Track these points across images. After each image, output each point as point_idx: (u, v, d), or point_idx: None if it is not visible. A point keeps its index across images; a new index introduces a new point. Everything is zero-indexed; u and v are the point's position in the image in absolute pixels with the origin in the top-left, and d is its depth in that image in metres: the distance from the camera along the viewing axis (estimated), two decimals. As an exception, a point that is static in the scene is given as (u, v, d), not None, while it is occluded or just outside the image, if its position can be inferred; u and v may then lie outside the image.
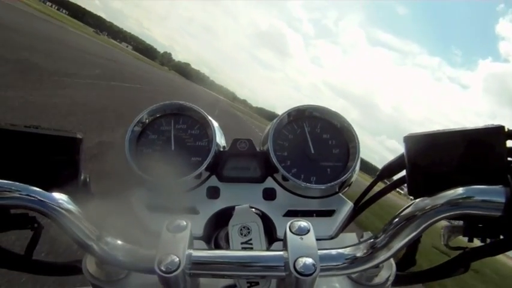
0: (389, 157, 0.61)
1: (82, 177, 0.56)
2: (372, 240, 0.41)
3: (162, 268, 0.35)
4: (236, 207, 0.50)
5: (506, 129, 0.48)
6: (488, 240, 0.49)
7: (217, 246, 0.54)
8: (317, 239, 0.38)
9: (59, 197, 0.43)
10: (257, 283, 0.44)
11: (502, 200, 0.40)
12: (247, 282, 0.44)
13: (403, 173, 0.58)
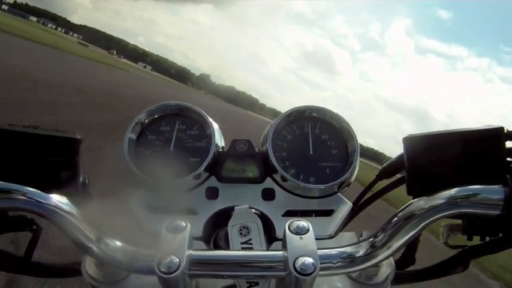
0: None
1: (81, 179, 0.56)
2: (371, 239, 0.41)
3: (162, 269, 0.35)
4: (236, 207, 0.50)
5: (505, 130, 0.49)
6: (487, 239, 0.50)
7: (217, 247, 0.54)
8: (316, 239, 0.38)
9: (58, 198, 0.43)
10: (257, 283, 0.44)
11: (501, 199, 0.40)
12: (247, 283, 0.44)
13: (402, 173, 0.58)
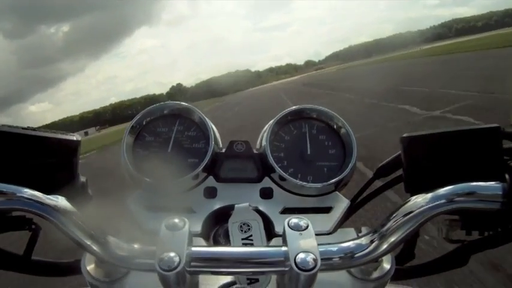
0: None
1: (80, 179, 0.56)
2: (370, 235, 0.42)
3: (162, 266, 0.35)
4: (236, 205, 0.50)
5: (502, 129, 0.49)
6: (486, 234, 0.50)
7: (216, 243, 0.54)
8: (315, 235, 0.38)
9: (57, 199, 0.43)
10: (257, 280, 0.44)
11: (500, 194, 0.40)
12: (247, 279, 0.44)
13: (399, 172, 0.58)
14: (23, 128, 0.51)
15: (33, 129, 0.52)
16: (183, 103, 0.66)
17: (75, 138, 0.55)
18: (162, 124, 0.65)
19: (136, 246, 0.41)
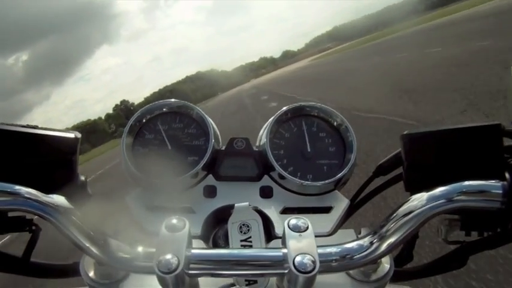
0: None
1: (79, 178, 0.56)
2: (369, 236, 0.41)
3: (161, 268, 0.35)
4: (236, 205, 0.50)
5: (502, 127, 0.49)
6: (485, 234, 0.50)
7: (216, 245, 0.54)
8: (315, 236, 0.38)
9: (56, 198, 0.43)
10: (255, 281, 0.44)
11: (500, 194, 0.40)
12: (246, 281, 0.44)
13: (400, 170, 0.58)
14: (21, 126, 0.51)
15: (32, 126, 0.52)
16: (182, 101, 0.66)
17: (74, 136, 0.55)
18: (161, 122, 0.65)
19: (135, 248, 0.41)
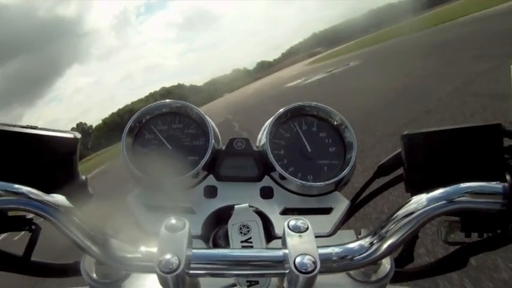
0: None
1: (80, 177, 0.56)
2: (370, 236, 0.41)
3: (162, 268, 0.35)
4: (236, 206, 0.50)
5: (503, 127, 0.49)
6: (485, 236, 0.50)
7: (216, 245, 0.54)
8: (315, 237, 0.38)
9: (56, 198, 0.42)
10: (257, 282, 0.44)
11: (500, 195, 0.40)
12: (247, 281, 0.44)
13: (400, 170, 0.58)
14: (21, 126, 0.51)
15: (32, 127, 0.52)
16: (182, 101, 0.66)
17: (73, 136, 0.55)
18: (161, 122, 0.65)
19: (135, 247, 0.41)
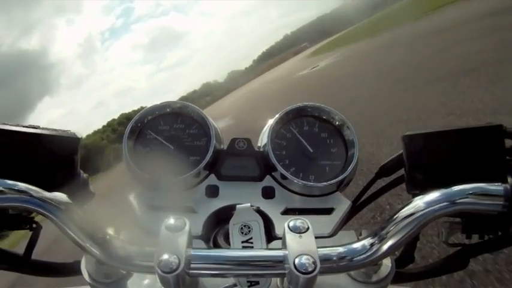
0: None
1: (81, 176, 0.56)
2: (370, 237, 0.41)
3: (162, 267, 0.35)
4: (237, 206, 0.50)
5: (504, 128, 0.49)
6: (486, 237, 0.50)
7: (216, 245, 0.54)
8: (316, 237, 0.38)
9: (57, 196, 0.42)
10: (257, 282, 0.44)
11: (501, 197, 0.40)
12: (247, 281, 0.44)
13: (402, 171, 0.58)
14: (24, 126, 0.52)
15: (34, 126, 0.52)
16: (183, 101, 0.66)
17: (75, 136, 0.55)
18: (163, 122, 0.65)
19: (136, 247, 0.41)
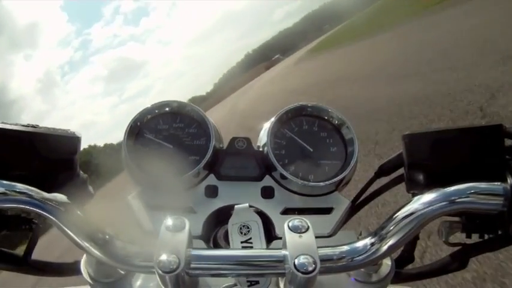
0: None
1: (81, 177, 0.56)
2: (370, 237, 0.41)
3: (162, 267, 0.35)
4: (236, 206, 0.50)
5: (504, 128, 0.49)
6: (486, 236, 0.50)
7: (216, 245, 0.54)
8: (316, 237, 0.38)
9: (57, 196, 0.42)
10: (257, 282, 0.44)
11: (501, 196, 0.40)
12: (247, 281, 0.44)
13: (401, 171, 0.58)
14: (23, 125, 0.51)
15: (34, 126, 0.52)
16: (182, 101, 0.66)
17: (75, 135, 0.55)
18: (162, 121, 0.65)
19: (135, 247, 0.41)
